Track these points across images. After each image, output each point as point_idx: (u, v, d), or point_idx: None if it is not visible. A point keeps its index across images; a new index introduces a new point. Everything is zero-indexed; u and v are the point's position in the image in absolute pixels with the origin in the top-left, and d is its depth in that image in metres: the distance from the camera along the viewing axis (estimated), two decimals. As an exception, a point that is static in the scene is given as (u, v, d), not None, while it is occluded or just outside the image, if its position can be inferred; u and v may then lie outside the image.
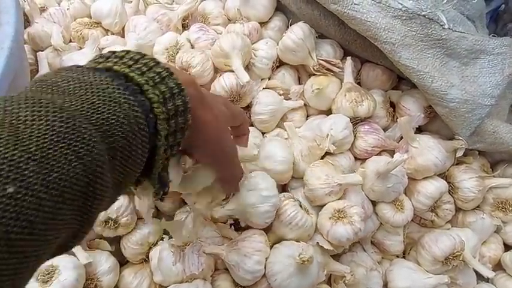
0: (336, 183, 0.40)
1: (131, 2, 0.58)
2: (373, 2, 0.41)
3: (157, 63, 0.24)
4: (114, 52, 0.24)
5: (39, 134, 0.17)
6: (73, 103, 0.19)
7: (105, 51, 0.52)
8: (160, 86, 0.23)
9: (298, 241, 0.40)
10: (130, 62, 0.23)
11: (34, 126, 0.17)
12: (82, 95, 0.20)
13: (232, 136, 0.34)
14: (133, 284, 0.41)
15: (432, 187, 0.44)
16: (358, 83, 0.52)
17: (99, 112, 0.19)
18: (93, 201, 0.19)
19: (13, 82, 0.37)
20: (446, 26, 0.40)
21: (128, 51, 0.24)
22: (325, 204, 0.42)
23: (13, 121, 0.17)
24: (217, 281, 0.40)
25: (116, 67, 0.22)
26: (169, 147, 0.24)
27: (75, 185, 0.18)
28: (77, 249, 0.39)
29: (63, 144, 0.17)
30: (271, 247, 0.40)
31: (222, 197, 0.37)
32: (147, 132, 0.22)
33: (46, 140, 0.17)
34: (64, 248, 0.20)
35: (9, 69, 0.35)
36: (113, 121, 0.20)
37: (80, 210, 0.19)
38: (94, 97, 0.20)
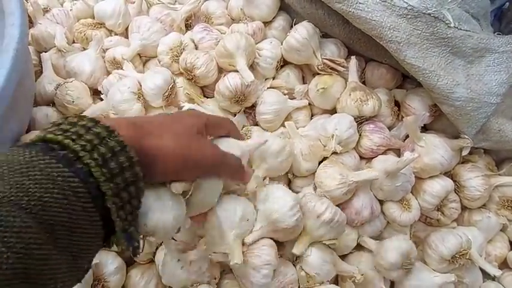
0: (352, 181, 0.40)
1: (134, 2, 0.58)
2: (378, 0, 0.41)
3: (96, 122, 0.23)
4: (66, 118, 0.24)
5: None
6: (2, 191, 0.19)
7: (109, 51, 0.52)
8: (99, 148, 0.22)
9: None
10: (68, 127, 0.23)
11: None
12: (11, 179, 0.20)
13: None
14: (141, 284, 0.41)
15: (438, 186, 0.44)
16: (363, 82, 0.51)
17: (30, 194, 0.19)
18: (41, 281, 0.19)
19: (19, 84, 0.37)
20: (452, 25, 0.40)
21: (73, 117, 0.24)
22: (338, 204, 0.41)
23: None
24: (224, 283, 0.40)
25: (49, 136, 0.22)
26: (127, 203, 0.24)
27: (11, 277, 0.18)
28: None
29: None
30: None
31: None
32: (88, 198, 0.22)
33: None
34: None
35: (15, 71, 0.35)
36: (46, 199, 0.20)
37: None
38: (24, 178, 0.20)
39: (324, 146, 0.45)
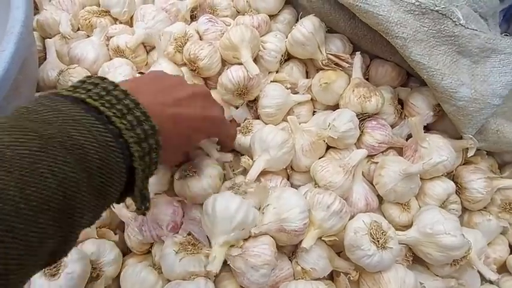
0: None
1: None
2: (385, -5, 0.40)
3: (126, 95, 0.27)
4: (89, 78, 0.28)
5: (19, 157, 0.21)
6: (51, 132, 0.23)
7: (112, 39, 0.52)
8: (127, 116, 0.27)
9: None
10: (102, 93, 0.27)
11: (15, 151, 0.21)
12: (59, 125, 0.23)
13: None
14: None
15: (440, 189, 0.44)
16: (367, 79, 0.51)
17: (73, 139, 0.23)
18: (72, 214, 0.23)
19: (22, 68, 0.37)
20: (462, 22, 0.40)
21: (102, 79, 0.28)
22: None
23: None
24: (220, 275, 0.40)
25: (88, 100, 0.26)
26: (148, 167, 0.28)
27: (51, 197, 0.21)
28: (84, 240, 0.39)
29: (38, 165, 0.21)
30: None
31: None
32: (120, 154, 0.26)
33: (24, 162, 0.21)
34: (55, 255, 0.24)
35: (18, 54, 0.35)
36: (86, 146, 0.24)
37: (60, 222, 0.22)
38: (69, 127, 0.24)
39: (318, 134, 0.45)
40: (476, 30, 0.42)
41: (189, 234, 0.40)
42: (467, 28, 0.41)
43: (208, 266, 0.34)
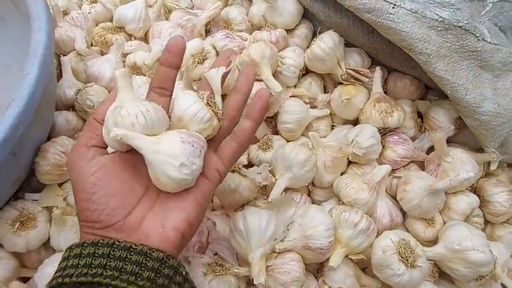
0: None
1: (151, 6, 0.58)
2: (408, 12, 0.40)
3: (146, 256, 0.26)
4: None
5: None
6: None
7: (129, 56, 0.51)
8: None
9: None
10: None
11: None
12: None
13: None
14: None
15: (464, 203, 0.43)
16: (385, 92, 0.51)
17: None
18: None
19: (44, 90, 0.36)
20: (489, 40, 0.40)
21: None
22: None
23: None
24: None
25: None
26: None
27: None
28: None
29: None
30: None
31: None
32: None
33: None
34: None
35: (42, 77, 0.35)
36: None
37: None
38: None
39: (341, 150, 0.45)
40: (498, 44, 0.42)
41: (215, 254, 0.40)
42: (490, 43, 0.41)
43: (257, 280, 0.35)
